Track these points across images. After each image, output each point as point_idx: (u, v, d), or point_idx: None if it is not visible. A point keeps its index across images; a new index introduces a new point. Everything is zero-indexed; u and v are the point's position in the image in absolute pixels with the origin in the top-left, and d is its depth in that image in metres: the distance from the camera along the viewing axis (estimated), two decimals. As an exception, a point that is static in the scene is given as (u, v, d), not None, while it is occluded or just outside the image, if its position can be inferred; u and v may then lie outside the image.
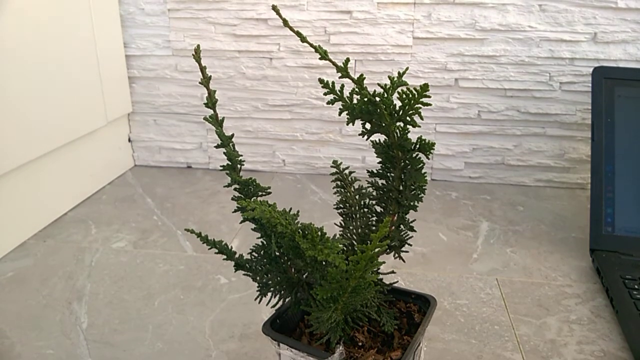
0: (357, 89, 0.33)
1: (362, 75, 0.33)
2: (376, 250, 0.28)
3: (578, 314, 0.59)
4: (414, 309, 0.41)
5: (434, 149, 0.32)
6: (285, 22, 0.32)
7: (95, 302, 0.61)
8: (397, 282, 0.40)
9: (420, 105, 0.32)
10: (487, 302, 0.61)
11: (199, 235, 0.36)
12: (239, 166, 0.38)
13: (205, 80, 0.35)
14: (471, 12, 0.90)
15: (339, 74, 0.34)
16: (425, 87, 0.31)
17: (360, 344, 0.36)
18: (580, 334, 0.56)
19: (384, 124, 0.33)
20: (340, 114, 0.35)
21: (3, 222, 0.72)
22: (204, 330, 0.56)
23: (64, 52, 0.81)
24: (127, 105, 1.02)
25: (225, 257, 0.37)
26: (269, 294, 0.37)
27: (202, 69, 0.34)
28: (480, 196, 0.93)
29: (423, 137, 0.32)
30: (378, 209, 0.37)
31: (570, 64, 0.91)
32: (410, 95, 0.33)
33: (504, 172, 0.99)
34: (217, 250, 0.37)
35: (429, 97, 0.32)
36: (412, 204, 0.34)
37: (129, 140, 1.06)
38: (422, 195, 0.34)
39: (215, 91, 0.37)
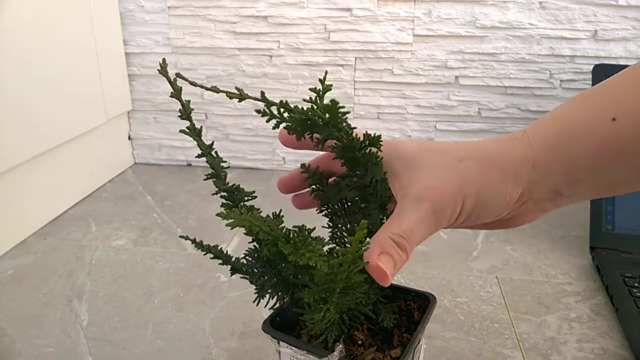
0: (287, 109, 0.34)
1: (282, 101, 0.34)
2: (357, 252, 0.28)
3: (578, 311, 0.59)
4: (413, 306, 0.41)
5: (382, 141, 0.32)
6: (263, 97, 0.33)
7: (95, 300, 0.61)
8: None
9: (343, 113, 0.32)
10: (487, 300, 0.61)
11: (193, 241, 0.36)
12: (223, 174, 0.38)
13: (176, 93, 0.35)
14: (471, 10, 0.89)
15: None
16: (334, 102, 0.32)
17: (359, 342, 0.36)
18: (580, 331, 0.56)
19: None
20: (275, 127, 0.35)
21: (3, 220, 0.72)
22: (204, 328, 0.56)
23: (63, 50, 0.81)
24: (127, 102, 1.02)
25: (220, 261, 0.37)
26: (267, 296, 0.37)
27: (172, 83, 0.34)
28: (481, 194, 0.93)
29: (369, 132, 0.33)
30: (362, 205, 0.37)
31: (571, 61, 0.91)
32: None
33: (504, 170, 0.99)
34: (212, 255, 0.37)
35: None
36: (382, 196, 0.34)
37: (129, 138, 1.06)
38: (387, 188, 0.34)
39: (189, 101, 0.37)
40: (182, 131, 0.36)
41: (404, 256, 0.30)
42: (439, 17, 0.90)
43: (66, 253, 0.72)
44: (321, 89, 0.32)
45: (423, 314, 0.39)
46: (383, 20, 0.92)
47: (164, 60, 0.33)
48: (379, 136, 0.33)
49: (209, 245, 0.37)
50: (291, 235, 0.31)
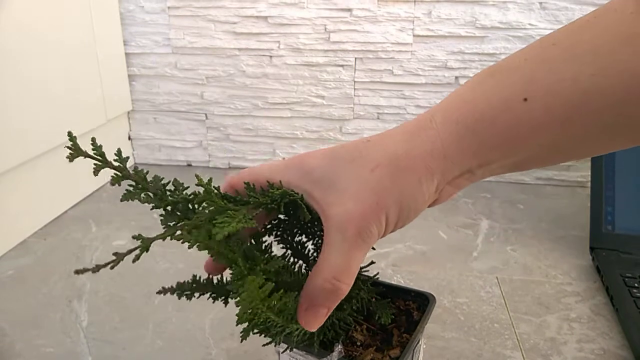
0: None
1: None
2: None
3: (578, 312, 0.59)
4: (413, 306, 0.41)
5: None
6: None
7: (95, 300, 0.61)
8: (378, 273, 0.39)
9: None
10: (487, 300, 0.61)
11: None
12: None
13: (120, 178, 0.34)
14: (472, 10, 0.89)
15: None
16: None
17: (358, 342, 0.36)
18: (580, 332, 0.56)
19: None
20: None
21: (3, 221, 0.72)
22: (204, 328, 0.56)
23: (63, 50, 0.81)
24: (127, 103, 1.02)
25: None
26: None
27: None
28: (480, 194, 0.93)
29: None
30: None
31: (571, 61, 0.91)
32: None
33: (504, 170, 0.99)
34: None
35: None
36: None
37: (129, 138, 1.06)
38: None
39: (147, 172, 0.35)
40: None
41: (338, 297, 0.30)
42: (439, 18, 0.90)
43: (66, 253, 0.72)
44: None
45: (422, 314, 0.39)
46: (383, 20, 0.92)
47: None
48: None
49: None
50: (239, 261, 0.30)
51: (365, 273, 0.38)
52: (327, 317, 0.30)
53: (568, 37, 0.27)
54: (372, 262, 0.38)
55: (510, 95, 0.27)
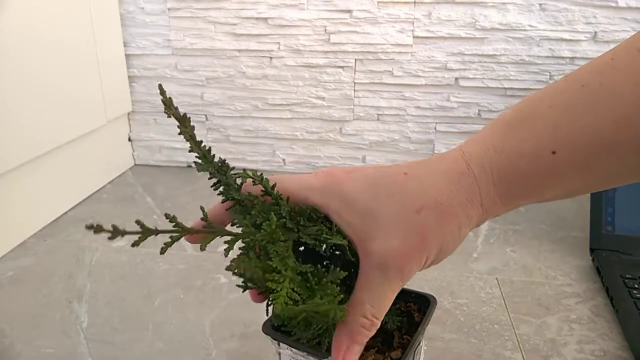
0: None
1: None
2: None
3: (578, 313, 0.59)
4: (414, 308, 0.41)
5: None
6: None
7: (95, 301, 0.61)
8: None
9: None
10: (487, 302, 0.61)
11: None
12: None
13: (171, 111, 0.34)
14: (471, 11, 0.90)
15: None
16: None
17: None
18: (580, 333, 0.56)
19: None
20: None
21: (3, 221, 0.72)
22: (204, 329, 0.56)
23: (63, 51, 0.81)
24: (127, 104, 1.02)
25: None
26: None
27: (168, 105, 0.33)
28: (481, 195, 0.93)
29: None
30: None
31: (571, 63, 0.91)
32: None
33: (504, 172, 0.99)
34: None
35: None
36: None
37: (129, 140, 1.06)
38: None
39: (177, 108, 0.36)
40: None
41: (372, 333, 0.31)
42: (439, 19, 0.91)
43: (66, 254, 0.72)
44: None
45: (423, 315, 0.39)
46: (383, 22, 0.92)
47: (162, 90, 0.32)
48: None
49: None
50: (307, 275, 0.30)
51: None
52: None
53: (591, 78, 0.27)
54: None
55: (540, 150, 0.28)
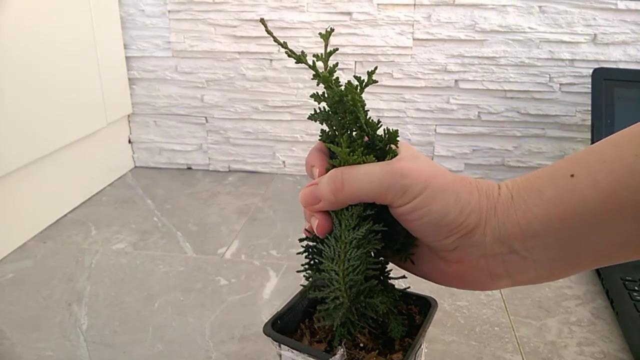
0: (328, 85, 0.33)
1: (333, 67, 0.34)
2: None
3: (578, 315, 0.59)
4: (414, 310, 0.41)
5: (399, 136, 0.33)
6: (270, 33, 0.32)
7: (95, 304, 0.61)
8: (409, 287, 0.40)
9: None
10: (487, 304, 0.61)
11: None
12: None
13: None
14: (471, 14, 0.90)
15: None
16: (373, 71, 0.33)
17: (361, 345, 0.36)
18: (580, 335, 0.56)
19: (357, 123, 0.33)
20: (311, 118, 0.35)
21: (3, 224, 0.72)
22: (204, 331, 0.56)
23: (64, 54, 0.81)
24: (127, 106, 1.02)
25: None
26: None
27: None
28: (480, 197, 0.93)
29: (388, 127, 0.33)
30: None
31: (570, 65, 0.91)
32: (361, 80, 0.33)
33: (504, 174, 0.99)
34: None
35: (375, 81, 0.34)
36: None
37: (129, 142, 1.06)
38: None
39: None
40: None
41: (329, 198, 0.32)
42: (439, 21, 0.91)
43: (66, 257, 0.72)
44: (366, 79, 0.33)
45: (424, 318, 0.39)
46: (383, 24, 0.92)
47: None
48: (397, 131, 0.33)
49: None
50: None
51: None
52: (318, 210, 0.33)
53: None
54: (404, 277, 0.38)
55: (558, 170, 0.29)
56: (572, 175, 0.27)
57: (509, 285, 0.31)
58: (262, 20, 0.32)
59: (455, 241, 0.30)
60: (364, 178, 0.31)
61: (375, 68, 0.36)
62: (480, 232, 0.30)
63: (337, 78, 0.34)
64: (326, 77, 0.33)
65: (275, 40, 0.33)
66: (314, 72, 0.34)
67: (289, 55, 0.34)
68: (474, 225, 0.30)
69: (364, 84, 0.33)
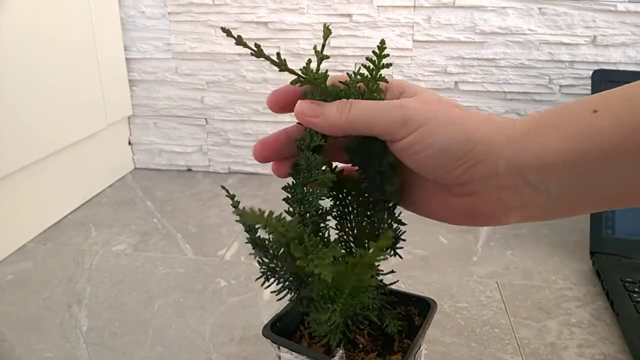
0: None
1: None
2: (377, 258, 0.28)
3: (578, 317, 0.59)
4: (414, 312, 0.41)
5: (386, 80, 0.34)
6: (240, 41, 0.33)
7: (95, 305, 0.61)
8: (397, 281, 0.40)
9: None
10: (487, 305, 0.61)
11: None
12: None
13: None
14: (471, 16, 0.90)
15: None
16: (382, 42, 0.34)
17: (360, 346, 0.36)
18: (580, 337, 0.56)
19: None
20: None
21: (3, 225, 0.72)
22: (204, 333, 0.56)
23: (64, 55, 0.81)
24: (128, 108, 1.02)
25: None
26: (272, 280, 0.37)
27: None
28: (480, 199, 0.93)
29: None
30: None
31: (570, 67, 0.91)
32: (372, 67, 0.34)
33: (504, 175, 0.99)
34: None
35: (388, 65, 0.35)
36: (391, 188, 0.33)
37: (129, 143, 1.06)
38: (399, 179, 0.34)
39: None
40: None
41: (330, 117, 0.33)
42: (439, 23, 0.91)
43: (66, 258, 0.72)
44: (377, 64, 0.34)
45: (424, 319, 0.39)
46: (383, 26, 0.92)
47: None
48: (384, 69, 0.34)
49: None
50: (305, 239, 0.30)
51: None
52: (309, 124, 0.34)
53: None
54: (393, 271, 0.38)
55: (580, 106, 0.28)
56: (595, 111, 0.27)
57: (520, 220, 0.30)
58: (223, 29, 0.32)
59: (464, 173, 0.29)
60: (371, 107, 0.31)
61: (383, 41, 0.37)
62: (492, 162, 0.29)
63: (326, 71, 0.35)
64: (311, 80, 0.34)
65: (246, 46, 0.33)
66: (297, 75, 0.34)
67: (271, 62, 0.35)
68: (484, 156, 0.29)
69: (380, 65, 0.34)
